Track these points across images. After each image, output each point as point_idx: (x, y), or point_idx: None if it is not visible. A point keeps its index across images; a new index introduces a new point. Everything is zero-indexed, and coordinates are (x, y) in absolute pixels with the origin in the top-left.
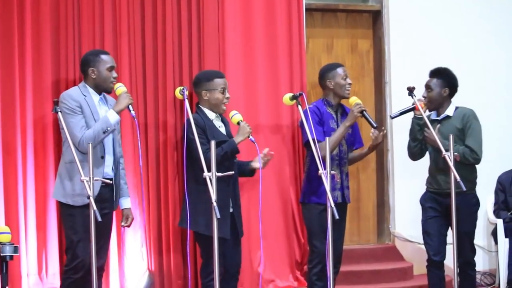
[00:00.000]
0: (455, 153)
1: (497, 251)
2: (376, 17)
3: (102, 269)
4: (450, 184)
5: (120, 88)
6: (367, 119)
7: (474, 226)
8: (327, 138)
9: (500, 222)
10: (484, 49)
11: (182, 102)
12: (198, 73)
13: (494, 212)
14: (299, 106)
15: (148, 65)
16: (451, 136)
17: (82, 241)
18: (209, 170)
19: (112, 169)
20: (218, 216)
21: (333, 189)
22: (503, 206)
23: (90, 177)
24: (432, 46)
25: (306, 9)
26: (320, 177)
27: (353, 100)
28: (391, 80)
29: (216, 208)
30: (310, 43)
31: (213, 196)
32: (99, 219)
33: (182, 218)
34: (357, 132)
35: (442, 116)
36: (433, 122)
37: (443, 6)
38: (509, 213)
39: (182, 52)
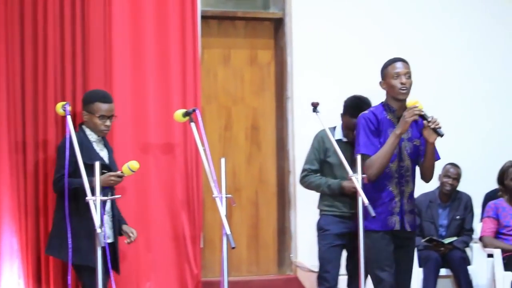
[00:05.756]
0: (363, 175)
1: None
2: (278, 26)
3: None
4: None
5: None
6: (430, 126)
7: None
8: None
9: None
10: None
11: (64, 118)
12: (86, 92)
13: None
14: (192, 124)
15: (27, 78)
16: (359, 156)
17: None
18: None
19: None
20: (102, 245)
21: (390, 213)
22: (418, 232)
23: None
24: (339, 58)
25: (202, 17)
26: (375, 200)
27: (411, 103)
28: (293, 94)
29: (101, 235)
30: (205, 54)
31: (97, 222)
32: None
33: (50, 245)
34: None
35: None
36: (341, 143)
37: (351, 14)
38: (422, 240)
39: (65, 64)
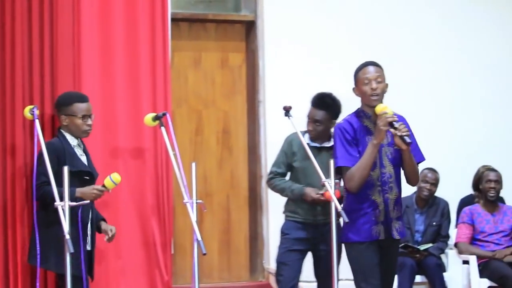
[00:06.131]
0: (336, 180)
1: None
2: (249, 29)
3: None
4: (330, 214)
5: None
6: (397, 134)
7: None
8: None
9: None
10: None
11: (33, 123)
12: (59, 95)
13: None
14: (163, 128)
15: None
16: (331, 162)
17: None
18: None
19: None
20: (71, 251)
21: (374, 223)
22: None
23: None
24: (311, 61)
25: (172, 19)
26: (358, 211)
27: (379, 109)
28: (266, 98)
29: (69, 242)
30: (175, 57)
31: (66, 228)
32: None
33: (31, 254)
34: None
35: (325, 144)
36: (312, 148)
37: (324, 17)
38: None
39: (33, 67)
